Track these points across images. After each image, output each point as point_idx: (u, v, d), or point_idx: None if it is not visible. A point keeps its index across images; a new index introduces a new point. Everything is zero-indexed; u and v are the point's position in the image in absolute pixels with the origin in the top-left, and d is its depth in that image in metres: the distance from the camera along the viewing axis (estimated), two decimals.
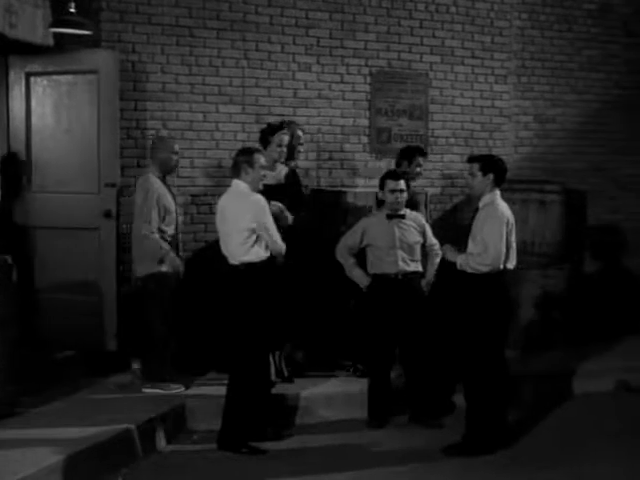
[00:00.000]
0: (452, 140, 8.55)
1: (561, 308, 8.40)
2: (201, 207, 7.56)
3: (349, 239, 6.59)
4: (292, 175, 6.96)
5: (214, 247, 7.44)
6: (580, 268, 8.81)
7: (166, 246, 6.40)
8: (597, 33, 9.23)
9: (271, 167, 6.65)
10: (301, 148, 7.20)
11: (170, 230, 6.52)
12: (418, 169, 7.20)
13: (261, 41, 7.76)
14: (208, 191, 7.57)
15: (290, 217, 6.53)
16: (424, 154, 7.33)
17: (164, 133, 7.35)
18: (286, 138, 6.80)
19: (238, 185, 5.87)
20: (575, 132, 9.15)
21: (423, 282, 6.55)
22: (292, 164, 7.03)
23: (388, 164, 7.98)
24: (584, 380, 7.43)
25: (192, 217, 7.56)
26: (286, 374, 6.99)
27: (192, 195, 7.56)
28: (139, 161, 7.37)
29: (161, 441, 5.93)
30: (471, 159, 6.17)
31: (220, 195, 7.46)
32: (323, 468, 5.57)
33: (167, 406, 6.18)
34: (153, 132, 7.38)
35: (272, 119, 7.65)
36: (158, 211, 6.40)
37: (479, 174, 5.93)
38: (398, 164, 7.23)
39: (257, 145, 6.70)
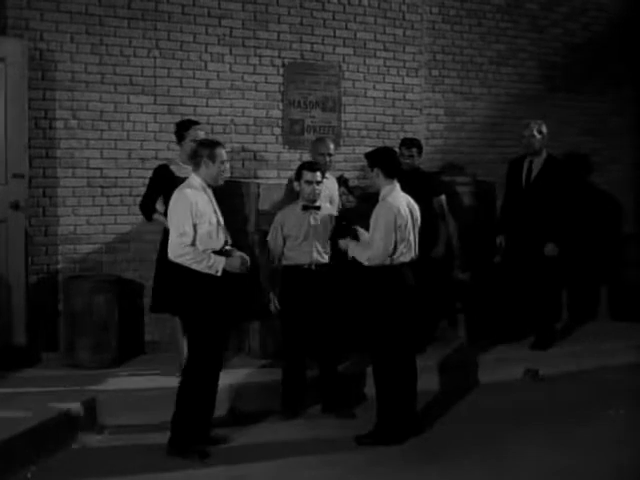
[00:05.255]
0: (364, 132, 8.61)
1: (470, 299, 8.59)
2: (111, 199, 7.46)
3: (272, 243, 6.56)
4: None
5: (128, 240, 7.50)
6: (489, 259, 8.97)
7: None
8: (506, 28, 9.42)
9: (186, 161, 6.74)
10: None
11: None
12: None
13: (173, 31, 7.68)
14: (119, 182, 7.48)
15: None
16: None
17: (73, 124, 7.26)
18: (201, 134, 6.84)
19: (193, 179, 5.72)
20: (485, 125, 9.32)
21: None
22: None
23: (301, 156, 8.06)
24: (493, 369, 7.60)
25: (102, 209, 7.46)
26: None
27: (102, 187, 7.45)
28: (48, 152, 7.24)
29: (71, 437, 5.84)
30: (365, 155, 6.28)
31: (129, 186, 7.48)
32: (235, 459, 5.58)
33: (77, 401, 6.07)
34: (62, 122, 7.26)
35: (184, 110, 7.67)
36: None
37: (369, 169, 6.10)
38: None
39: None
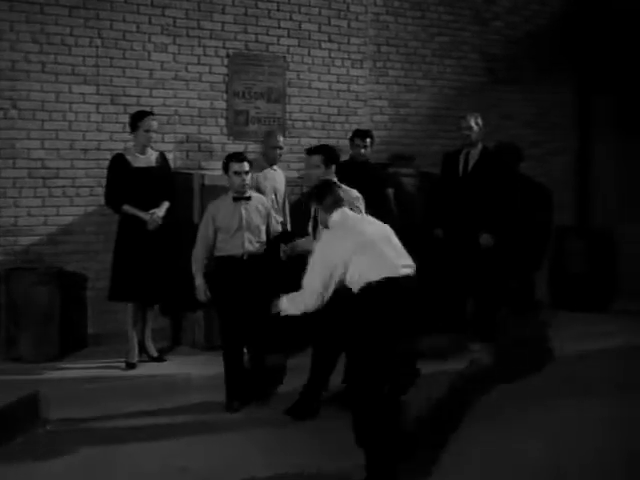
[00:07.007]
0: (309, 124, 8.62)
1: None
2: (53, 190, 7.37)
3: (203, 233, 6.49)
4: (162, 159, 7.14)
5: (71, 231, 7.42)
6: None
7: None
8: (449, 20, 9.49)
9: (141, 151, 6.96)
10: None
11: None
12: None
13: (115, 20, 7.59)
14: (60, 173, 7.39)
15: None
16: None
17: (14, 114, 7.15)
18: (154, 124, 6.97)
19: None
20: (428, 117, 9.40)
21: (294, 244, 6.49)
22: None
23: (245, 147, 8.05)
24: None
25: (44, 200, 7.36)
26: (155, 354, 7.14)
27: (43, 178, 7.35)
28: None
29: (13, 431, 5.75)
30: (311, 151, 6.34)
31: (72, 177, 7.38)
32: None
33: (17, 395, 6.00)
34: (2, 112, 7.15)
35: (127, 100, 7.62)
36: None
37: (322, 166, 6.16)
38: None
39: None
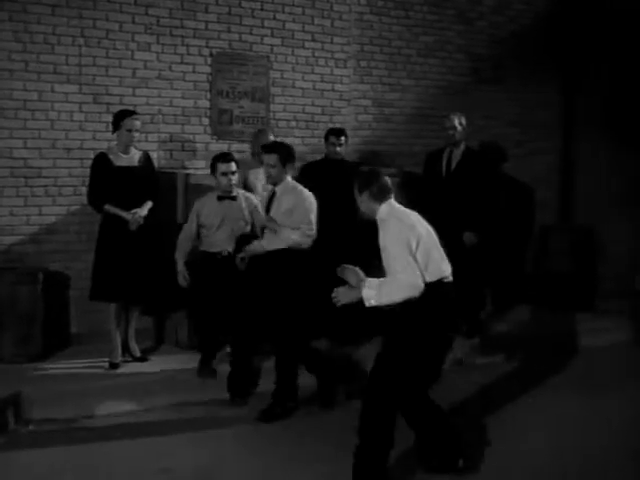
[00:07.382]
0: (293, 123, 8.62)
1: None
2: (35, 189, 7.34)
3: (187, 226, 6.72)
4: (146, 159, 7.10)
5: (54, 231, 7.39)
6: None
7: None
8: (433, 20, 9.50)
9: (124, 150, 6.90)
10: None
11: None
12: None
13: (99, 19, 7.57)
14: (43, 173, 7.37)
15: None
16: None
17: None
18: (137, 123, 6.92)
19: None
20: (412, 116, 9.41)
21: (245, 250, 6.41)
22: None
23: (229, 146, 8.05)
24: None
25: (26, 200, 7.33)
26: (138, 354, 7.15)
27: (26, 177, 7.32)
28: None
29: None
30: (268, 150, 6.17)
31: (54, 177, 7.33)
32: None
33: (2, 395, 5.97)
34: None
35: (110, 99, 7.61)
36: None
37: (279, 165, 6.04)
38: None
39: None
